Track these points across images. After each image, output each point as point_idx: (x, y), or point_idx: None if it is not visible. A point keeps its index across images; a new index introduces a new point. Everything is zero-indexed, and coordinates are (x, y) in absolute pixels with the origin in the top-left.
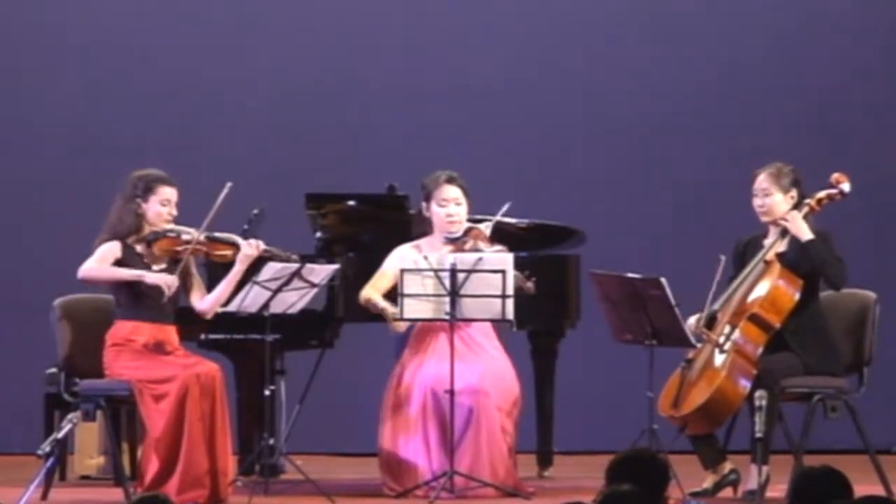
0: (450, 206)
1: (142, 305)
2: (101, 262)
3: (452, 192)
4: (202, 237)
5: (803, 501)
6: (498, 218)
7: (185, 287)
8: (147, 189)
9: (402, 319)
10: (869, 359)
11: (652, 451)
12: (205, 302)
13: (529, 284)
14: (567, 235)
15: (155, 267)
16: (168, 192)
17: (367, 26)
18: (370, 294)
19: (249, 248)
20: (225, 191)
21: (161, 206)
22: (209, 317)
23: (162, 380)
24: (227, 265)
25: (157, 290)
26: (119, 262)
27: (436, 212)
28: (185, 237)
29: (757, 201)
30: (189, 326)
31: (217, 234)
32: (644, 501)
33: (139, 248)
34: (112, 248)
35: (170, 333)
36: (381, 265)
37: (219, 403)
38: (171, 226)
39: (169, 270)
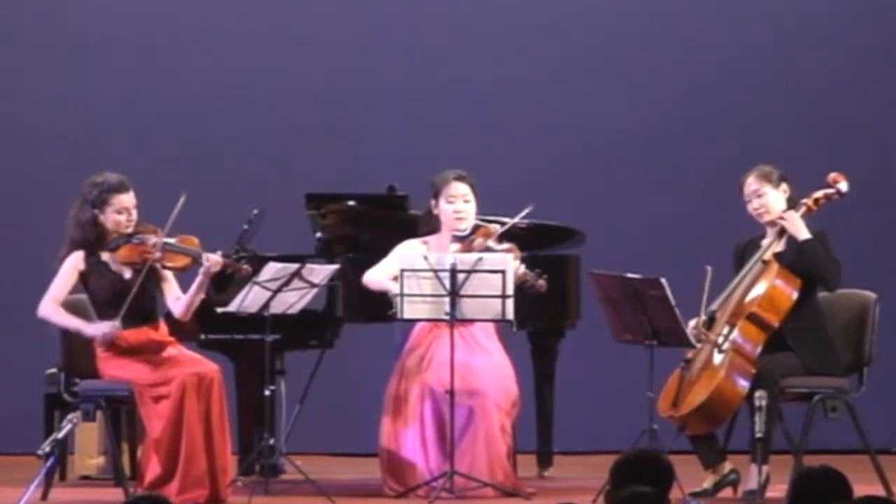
0: (458, 202)
1: (114, 312)
2: (61, 287)
3: (461, 188)
4: (160, 245)
5: (803, 501)
6: (515, 221)
7: (159, 290)
8: (102, 201)
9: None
10: (869, 359)
11: (657, 451)
12: (178, 305)
13: (541, 282)
14: (567, 235)
15: (125, 274)
16: (124, 200)
17: (367, 26)
18: (381, 276)
19: (208, 263)
20: (180, 202)
21: (118, 215)
22: (185, 319)
23: (160, 382)
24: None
25: (125, 297)
26: (84, 274)
27: (444, 208)
28: (145, 244)
29: (753, 204)
30: (187, 326)
31: (174, 243)
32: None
33: (105, 255)
34: (74, 263)
35: (155, 332)
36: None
37: (217, 403)
38: (136, 229)
39: (132, 280)
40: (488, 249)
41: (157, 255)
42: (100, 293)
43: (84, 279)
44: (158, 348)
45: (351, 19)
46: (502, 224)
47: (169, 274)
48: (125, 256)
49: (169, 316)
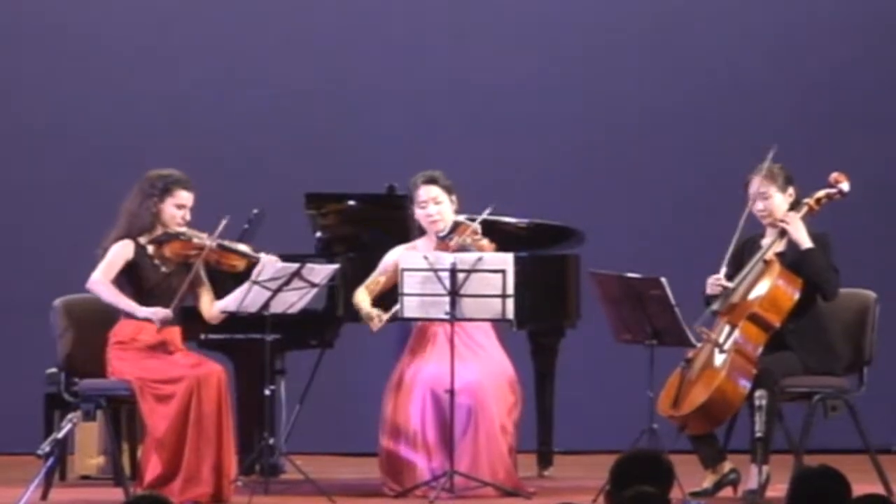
0: (429, 206)
1: (146, 306)
2: (110, 268)
3: (430, 191)
4: (215, 245)
5: (802, 501)
6: (482, 217)
7: (194, 292)
8: (165, 190)
9: (383, 319)
10: (869, 358)
11: (657, 451)
12: (214, 309)
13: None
14: (566, 235)
15: (164, 269)
16: (184, 196)
17: (366, 26)
18: (359, 297)
19: (262, 266)
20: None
21: (176, 209)
22: (215, 322)
23: (167, 380)
24: (237, 274)
25: (160, 292)
26: (130, 264)
27: (419, 214)
28: (196, 242)
29: (757, 206)
30: (188, 326)
31: (229, 244)
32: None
33: (151, 248)
34: (124, 250)
35: (173, 334)
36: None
37: (223, 404)
38: (185, 229)
39: (178, 275)
40: (463, 248)
41: (213, 255)
42: (143, 282)
43: (130, 268)
44: (170, 348)
45: (351, 19)
46: (499, 222)
47: (204, 277)
48: (176, 251)
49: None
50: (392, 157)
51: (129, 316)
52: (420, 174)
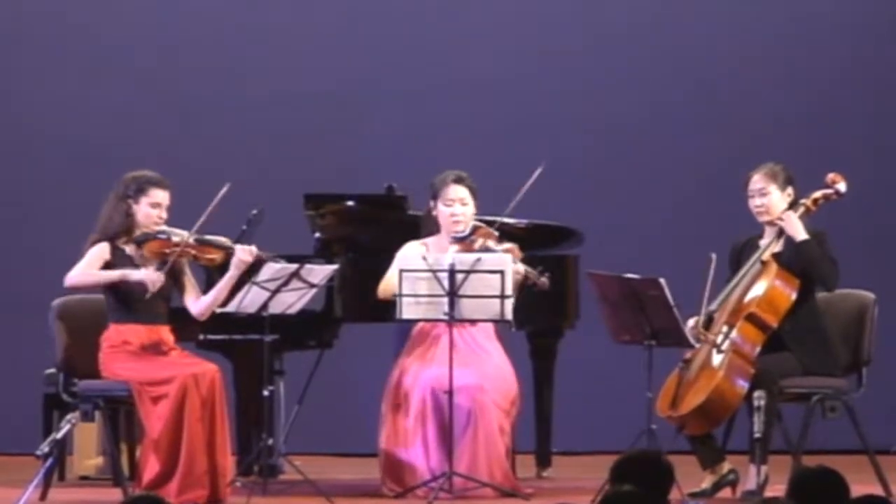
0: (455, 205)
1: (132, 308)
2: (88, 267)
3: (459, 191)
4: (191, 240)
5: (801, 502)
6: (530, 183)
7: (179, 289)
8: (138, 190)
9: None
10: (867, 359)
11: (658, 452)
12: (199, 304)
13: (543, 279)
14: (565, 236)
15: (144, 269)
16: (159, 195)
17: (366, 27)
18: (392, 287)
19: (244, 254)
20: (223, 191)
21: (151, 209)
22: (203, 319)
23: (160, 381)
24: (222, 268)
25: (143, 287)
26: (108, 265)
27: (441, 211)
28: (174, 239)
29: (755, 202)
30: (186, 327)
31: (207, 238)
32: (647, 502)
33: (129, 249)
34: (101, 252)
35: (164, 334)
36: (392, 263)
37: (218, 404)
38: (162, 227)
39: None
40: (488, 250)
41: (191, 251)
42: (120, 285)
43: (107, 269)
44: (162, 349)
45: (350, 20)
46: (500, 223)
47: (188, 273)
48: (154, 249)
49: (173, 317)
50: (391, 157)
51: (117, 321)
52: (450, 172)
